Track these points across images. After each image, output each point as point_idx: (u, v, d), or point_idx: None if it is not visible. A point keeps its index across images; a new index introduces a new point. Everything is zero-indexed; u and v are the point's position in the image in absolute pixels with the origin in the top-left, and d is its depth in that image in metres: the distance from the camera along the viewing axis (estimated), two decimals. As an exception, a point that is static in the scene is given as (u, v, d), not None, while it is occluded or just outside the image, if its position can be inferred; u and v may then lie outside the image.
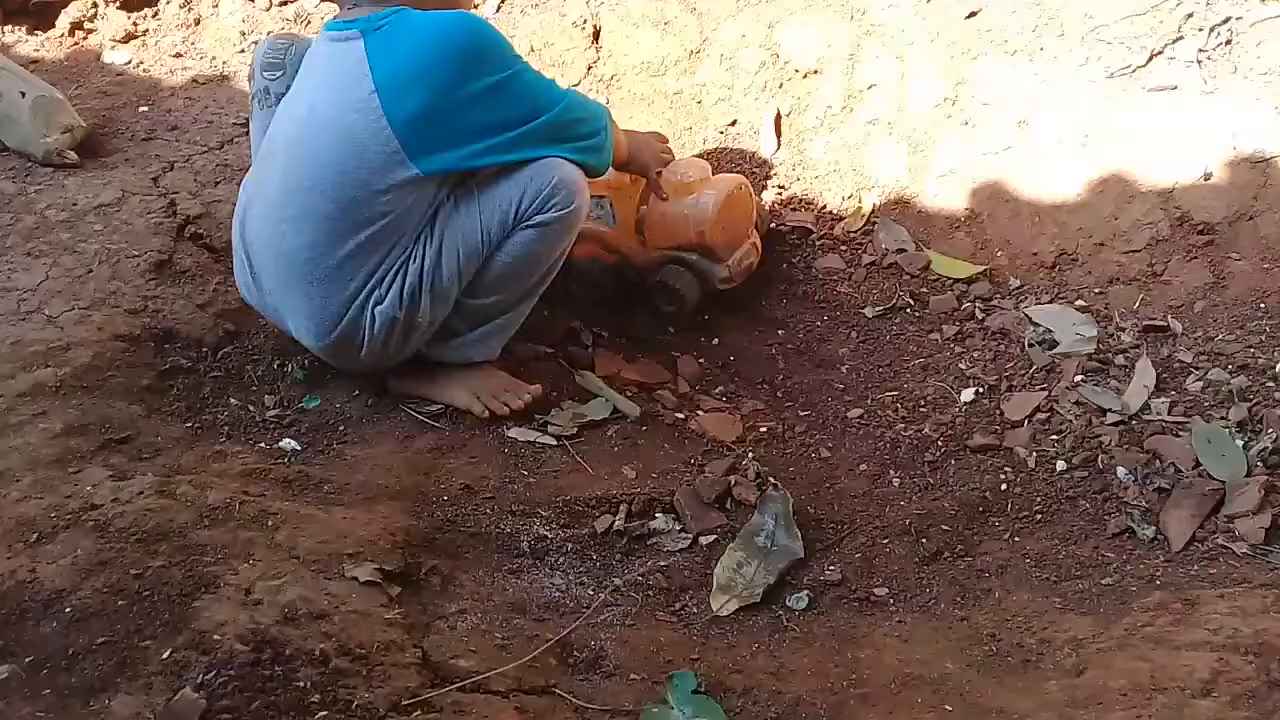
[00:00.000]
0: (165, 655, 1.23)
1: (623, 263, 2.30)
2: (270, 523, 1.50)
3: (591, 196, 2.06)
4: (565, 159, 1.83)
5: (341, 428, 1.90)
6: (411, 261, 1.81)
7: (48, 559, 1.36)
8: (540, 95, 1.82)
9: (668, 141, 2.36)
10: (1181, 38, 2.27)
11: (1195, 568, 1.55)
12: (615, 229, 2.28)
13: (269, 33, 2.97)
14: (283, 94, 1.93)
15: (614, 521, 1.71)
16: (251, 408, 1.93)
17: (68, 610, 1.29)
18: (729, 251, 2.27)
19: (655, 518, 1.75)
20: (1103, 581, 1.54)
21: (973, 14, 2.52)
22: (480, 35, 1.76)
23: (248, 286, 1.94)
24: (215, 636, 1.26)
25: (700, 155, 2.69)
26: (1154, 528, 1.65)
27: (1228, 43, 2.23)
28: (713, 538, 1.72)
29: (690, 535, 1.73)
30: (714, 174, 2.34)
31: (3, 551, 1.37)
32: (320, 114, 1.76)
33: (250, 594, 1.34)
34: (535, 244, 1.85)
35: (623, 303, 2.32)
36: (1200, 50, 2.24)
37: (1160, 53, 2.27)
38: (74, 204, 2.26)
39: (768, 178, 2.64)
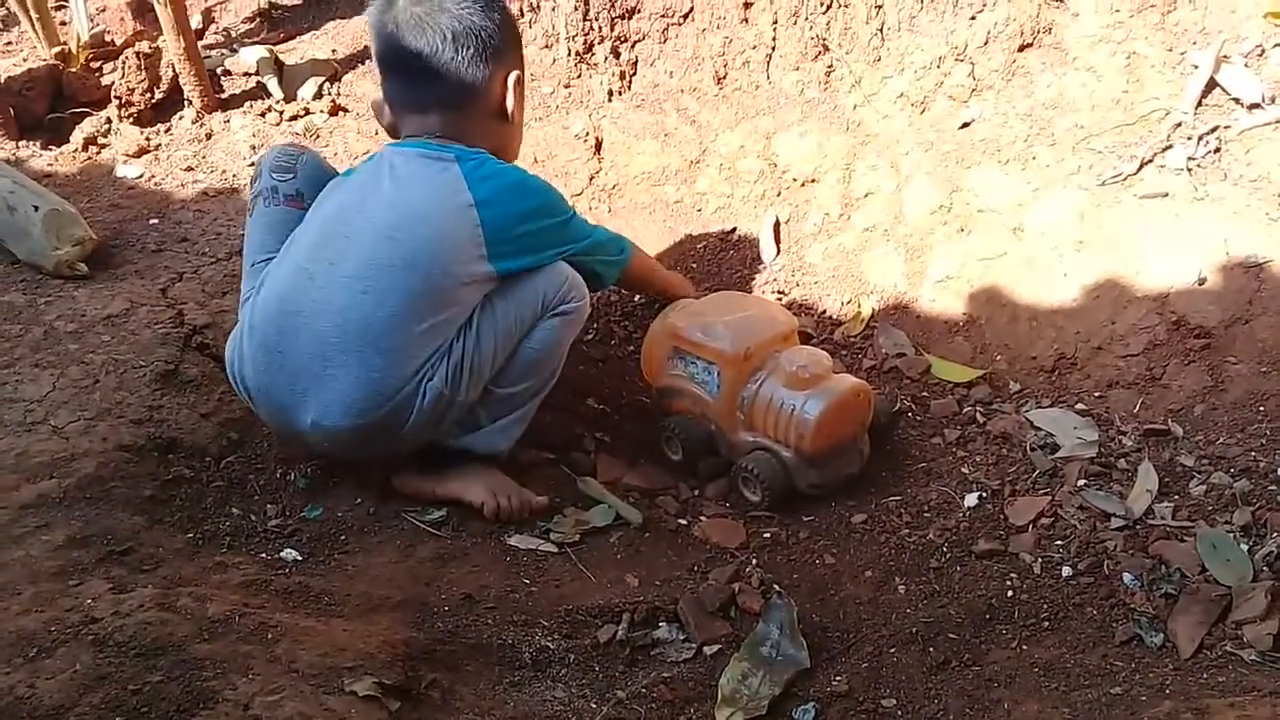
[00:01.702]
0: (161, 774, 1.22)
1: (717, 433, 2.22)
2: (270, 635, 1.49)
3: (700, 360, 2.20)
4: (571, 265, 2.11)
5: (343, 537, 1.89)
6: (455, 342, 1.95)
7: (46, 674, 1.35)
8: (582, 231, 2.15)
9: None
10: (1170, 146, 2.32)
11: (1204, 676, 1.52)
12: (716, 400, 2.19)
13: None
14: (291, 195, 2.09)
15: (617, 631, 1.70)
16: (253, 517, 1.93)
17: (65, 727, 1.28)
18: (827, 459, 2.13)
19: (659, 627, 1.74)
20: (1112, 691, 1.52)
21: (965, 125, 2.58)
22: (551, 189, 2.12)
23: (257, 370, 1.95)
24: (212, 754, 1.25)
25: (707, 266, 2.74)
26: (1162, 635, 1.63)
27: (1216, 150, 2.28)
28: (717, 647, 1.70)
29: (694, 645, 1.71)
30: (797, 342, 2.27)
31: (1, 666, 1.36)
32: (418, 211, 1.95)
33: (248, 710, 1.32)
34: (558, 331, 2.05)
35: (711, 464, 2.25)
36: (1190, 158, 2.28)
37: (1150, 161, 2.32)
38: (83, 315, 2.29)
39: (768, 284, 2.67)
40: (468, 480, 2.01)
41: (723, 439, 2.21)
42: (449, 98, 2.03)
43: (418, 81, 2.03)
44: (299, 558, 1.82)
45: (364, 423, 1.91)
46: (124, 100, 3.14)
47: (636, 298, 2.69)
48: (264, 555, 1.82)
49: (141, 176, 2.99)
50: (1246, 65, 2.33)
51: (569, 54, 3.00)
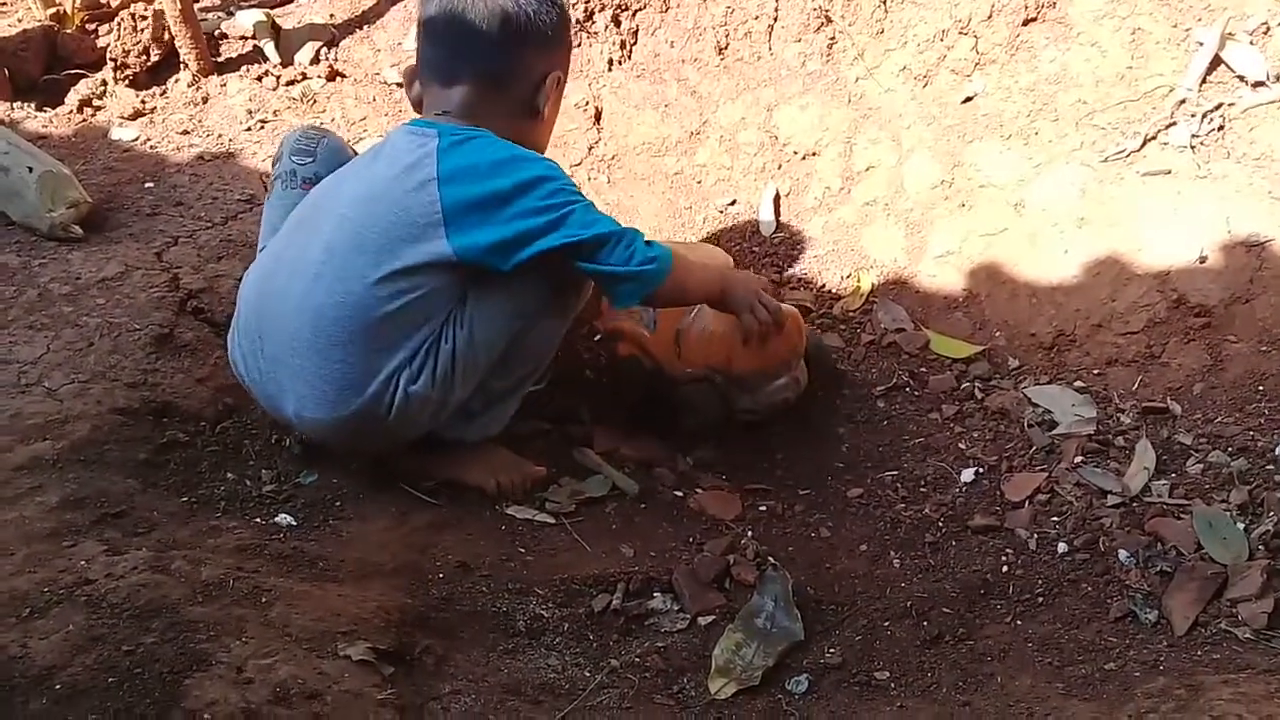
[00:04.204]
0: (154, 735, 1.22)
1: (657, 370, 2.23)
2: (264, 599, 1.49)
3: None
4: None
5: (338, 503, 1.89)
6: (444, 342, 1.84)
7: (39, 634, 1.34)
8: (583, 219, 1.82)
9: (774, 287, 2.21)
10: (1174, 123, 2.30)
11: (1198, 653, 1.53)
12: (654, 335, 2.21)
13: (279, 107, 3.03)
14: (309, 178, 2.04)
15: (611, 601, 1.70)
16: (248, 482, 1.92)
17: (58, 687, 1.27)
18: (759, 382, 2.16)
19: (653, 597, 1.73)
20: (1106, 666, 1.52)
21: (968, 99, 2.57)
22: (542, 171, 1.84)
23: (245, 356, 1.93)
24: (205, 716, 1.24)
25: (705, 238, 2.73)
26: (1156, 611, 1.63)
27: (1220, 128, 2.27)
28: (711, 618, 1.70)
29: (688, 615, 1.71)
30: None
31: (-6, 627, 1.36)
32: (377, 190, 1.84)
33: (242, 672, 1.32)
34: (559, 323, 1.99)
35: (656, 407, 2.26)
36: (1193, 136, 2.27)
37: (1153, 138, 2.31)
38: (77, 278, 2.28)
39: (767, 257, 2.66)
40: (466, 462, 1.99)
41: (662, 375, 2.23)
42: (483, 73, 1.92)
43: (457, 50, 1.92)
44: (294, 523, 1.81)
45: (342, 415, 1.83)
46: (120, 62, 3.11)
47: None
48: (259, 520, 1.81)
49: (137, 139, 2.96)
50: (1252, 43, 2.32)
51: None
